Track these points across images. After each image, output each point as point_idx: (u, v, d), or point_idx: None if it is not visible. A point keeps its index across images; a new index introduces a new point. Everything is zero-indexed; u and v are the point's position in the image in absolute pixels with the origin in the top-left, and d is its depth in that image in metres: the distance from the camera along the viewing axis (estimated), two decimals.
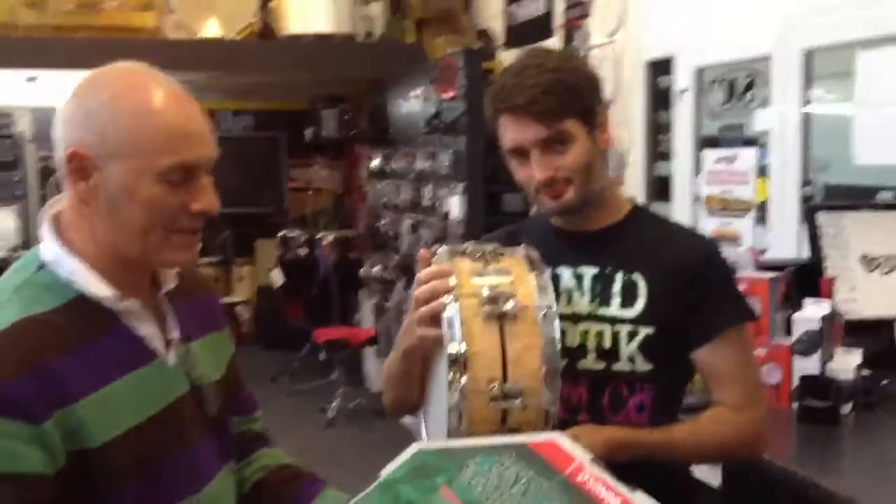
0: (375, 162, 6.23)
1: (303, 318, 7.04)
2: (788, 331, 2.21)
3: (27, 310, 1.18)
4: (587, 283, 1.58)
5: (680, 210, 4.59)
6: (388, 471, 1.22)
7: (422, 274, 1.41)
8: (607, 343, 1.54)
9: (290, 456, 1.56)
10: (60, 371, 1.15)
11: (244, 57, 6.09)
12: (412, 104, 5.63)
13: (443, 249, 1.45)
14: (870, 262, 2.54)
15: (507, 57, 6.60)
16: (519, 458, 1.19)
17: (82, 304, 1.22)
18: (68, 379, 1.16)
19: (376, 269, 6.33)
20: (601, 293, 1.56)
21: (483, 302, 1.35)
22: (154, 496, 1.24)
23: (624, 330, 1.54)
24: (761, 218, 4.19)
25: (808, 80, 3.88)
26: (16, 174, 8.17)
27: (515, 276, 1.40)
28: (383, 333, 6.21)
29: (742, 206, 4.29)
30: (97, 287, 1.23)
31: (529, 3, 6.74)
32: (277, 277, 6.92)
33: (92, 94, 1.22)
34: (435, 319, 1.38)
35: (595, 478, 1.15)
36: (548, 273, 1.42)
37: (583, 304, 1.57)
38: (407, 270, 5.89)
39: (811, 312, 2.14)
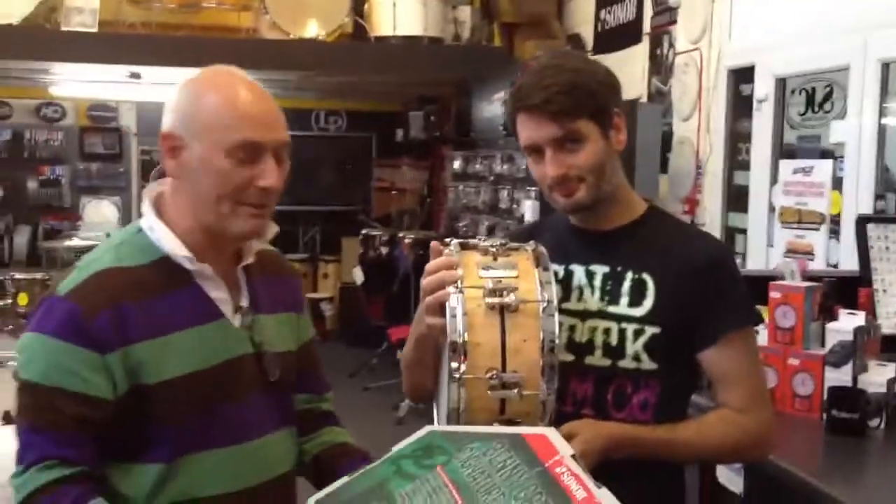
0: (457, 164, 6.33)
1: (382, 316, 7.18)
2: (823, 342, 2.20)
3: (118, 261, 1.43)
4: (598, 281, 1.61)
5: (755, 221, 4.54)
6: (399, 447, 1.33)
7: (430, 265, 1.48)
8: (613, 340, 1.58)
9: None
10: (132, 315, 1.39)
11: (334, 57, 6.25)
12: (495, 107, 5.71)
13: (455, 242, 1.51)
14: None
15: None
16: (511, 446, 1.28)
17: (165, 263, 1.45)
18: (137, 323, 1.39)
19: None
20: (610, 291, 1.60)
21: (486, 294, 1.41)
22: (196, 438, 1.43)
23: (630, 328, 1.57)
24: (835, 231, 4.13)
25: (885, 91, 3.80)
26: (120, 166, 8.57)
27: (521, 271, 1.45)
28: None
29: (816, 218, 4.22)
30: (178, 248, 1.44)
31: (619, 9, 6.73)
32: (358, 275, 7.09)
33: (187, 88, 1.46)
34: (441, 309, 1.44)
35: (570, 471, 1.23)
36: (553, 269, 1.47)
37: (592, 301, 1.61)
38: None
39: (845, 323, 2.13)
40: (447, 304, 1.41)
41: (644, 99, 6.16)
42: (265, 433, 1.52)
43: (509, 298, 1.41)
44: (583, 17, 7.31)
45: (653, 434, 1.53)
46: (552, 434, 1.30)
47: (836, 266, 3.65)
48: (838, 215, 4.12)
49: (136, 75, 6.70)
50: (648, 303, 1.58)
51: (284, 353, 1.58)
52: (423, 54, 6.31)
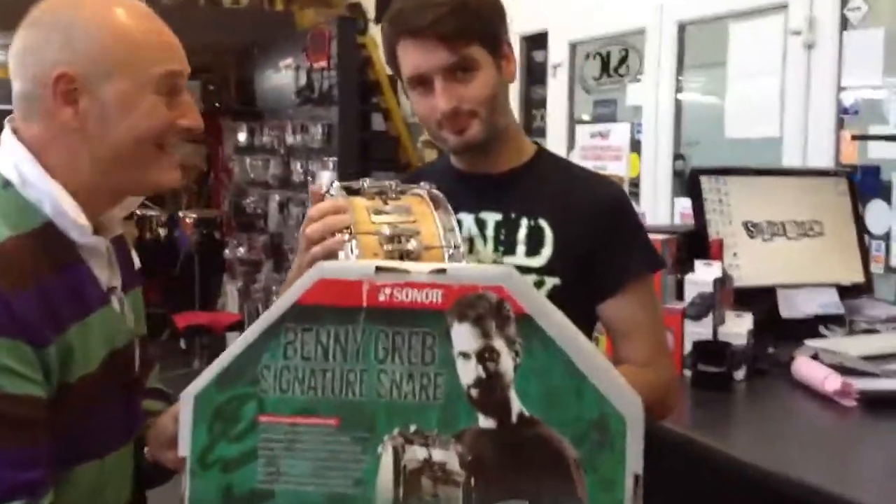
0: (241, 136, 5.96)
1: (162, 301, 6.69)
2: (679, 296, 2.15)
3: (11, 228, 1.10)
4: (490, 230, 1.45)
5: None
6: (184, 449, 1.01)
7: (313, 210, 1.25)
8: None
9: None
10: (54, 293, 1.10)
11: None
12: (282, 75, 5.40)
13: (337, 185, 1.31)
14: (752, 229, 2.53)
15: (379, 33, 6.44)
16: (304, 322, 0.99)
17: (49, 232, 1.14)
18: (61, 303, 1.10)
19: (241, 251, 6.07)
20: (505, 240, 1.44)
21: (383, 241, 1.21)
22: (78, 448, 1.15)
23: (529, 280, 1.42)
24: (633, 194, 4.22)
25: (681, 54, 3.90)
26: None
27: (418, 215, 1.27)
28: (249, 318, 5.97)
29: (615, 181, 4.30)
30: (74, 216, 1.14)
31: None
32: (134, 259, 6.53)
33: (64, 15, 1.16)
34: (328, 260, 1.22)
35: (397, 286, 0.98)
36: (453, 213, 1.29)
37: (486, 252, 1.44)
38: (276, 251, 5.67)
39: (703, 275, 2.09)
40: (339, 254, 1.19)
41: None
42: (122, 443, 1.24)
43: (411, 245, 1.22)
44: None
45: None
46: (325, 270, 1.00)
47: None
48: (637, 177, 4.23)
49: None
50: (547, 251, 1.43)
51: (143, 337, 1.33)
52: (199, 17, 5.86)
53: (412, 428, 0.97)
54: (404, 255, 1.21)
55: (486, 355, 0.97)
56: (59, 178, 1.16)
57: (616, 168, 4.32)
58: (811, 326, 2.40)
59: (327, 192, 1.30)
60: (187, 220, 6.63)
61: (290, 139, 5.20)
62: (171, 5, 5.74)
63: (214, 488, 1.00)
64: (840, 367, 1.97)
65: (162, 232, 6.77)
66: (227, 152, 6.71)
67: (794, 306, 2.44)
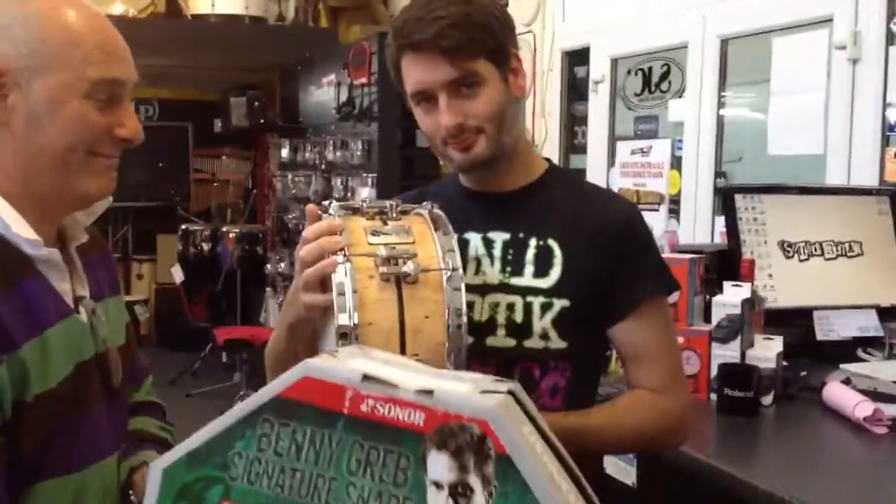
0: (284, 153, 6.00)
1: (205, 316, 6.75)
2: (707, 318, 2.08)
3: None
4: (498, 250, 1.41)
5: None
6: None
7: (309, 230, 1.22)
8: (519, 317, 1.37)
9: None
10: (3, 312, 1.07)
11: (146, 36, 5.75)
12: (324, 91, 5.43)
13: (335, 205, 1.27)
14: (788, 249, 2.45)
15: None
16: (283, 416, 0.95)
17: (1, 246, 1.11)
18: (10, 319, 1.07)
19: (283, 266, 6.09)
20: (513, 261, 1.40)
21: (379, 263, 1.17)
22: (44, 467, 1.12)
23: (537, 302, 1.37)
24: (674, 211, 4.13)
25: (724, 69, 3.83)
26: None
27: (417, 236, 1.23)
28: None
29: (655, 198, 4.22)
30: (22, 227, 1.12)
31: None
32: (177, 274, 6.61)
33: (6, 8, 1.14)
34: (323, 284, 1.20)
35: (379, 399, 0.92)
36: (453, 234, 1.25)
37: (493, 273, 1.40)
38: None
39: (731, 296, 2.02)
40: (332, 277, 1.16)
41: None
42: (105, 454, 1.22)
43: (407, 267, 1.17)
44: (408, 1, 7.17)
45: (564, 422, 1.32)
46: (312, 369, 0.96)
47: None
48: (678, 194, 4.14)
49: None
50: (556, 272, 1.38)
51: (122, 347, 1.30)
52: (244, 35, 5.92)
53: None
54: (400, 278, 1.17)
55: (459, 490, 0.90)
56: None
57: (656, 185, 4.24)
58: (849, 349, 2.33)
59: (325, 211, 1.26)
60: (230, 236, 6.68)
61: (330, 155, 5.21)
62: (217, 23, 5.81)
63: None
64: (873, 393, 1.88)
65: (205, 247, 6.83)
66: (271, 168, 6.76)
67: (830, 329, 2.35)
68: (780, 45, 3.50)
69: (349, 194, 5.05)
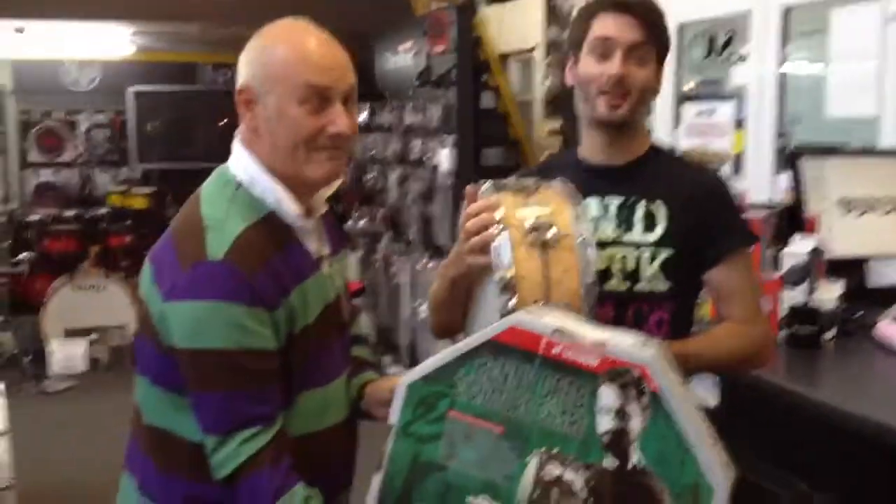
0: (362, 116, 6.37)
1: None
2: (775, 266, 2.43)
3: (245, 220, 1.44)
4: (612, 211, 1.75)
5: None
6: (394, 418, 1.39)
7: (471, 208, 1.56)
8: (631, 265, 1.72)
9: None
10: (279, 267, 1.43)
11: (225, 6, 6.08)
12: (401, 58, 5.77)
13: (488, 184, 1.61)
14: (846, 205, 2.78)
15: (490, 13, 6.76)
16: (495, 353, 1.32)
17: (273, 219, 1.47)
18: (284, 273, 1.43)
19: (363, 223, 6.49)
20: (626, 220, 1.74)
21: (527, 231, 1.51)
22: (303, 379, 1.49)
23: (646, 253, 1.72)
24: (736, 169, 4.43)
25: (785, 37, 4.10)
26: None
27: (554, 208, 1.56)
28: (370, 286, 6.39)
29: (720, 157, 4.52)
30: (289, 205, 1.47)
31: None
32: None
33: (259, 41, 1.48)
34: (484, 249, 1.53)
35: (566, 346, 1.29)
36: (582, 204, 1.60)
37: (608, 231, 1.74)
38: (394, 223, 6.07)
39: (799, 247, 2.37)
40: (493, 244, 1.51)
41: (541, 49, 6.35)
42: (340, 374, 1.60)
43: (549, 234, 1.52)
44: None
45: (672, 348, 1.69)
46: (520, 321, 1.34)
47: None
48: (741, 154, 4.44)
49: (20, 30, 6.41)
50: (660, 228, 1.73)
51: (346, 292, 1.67)
52: (321, 3, 6.25)
53: (555, 450, 1.28)
54: (544, 243, 1.51)
55: (621, 414, 1.27)
56: (266, 167, 1.47)
57: (720, 144, 4.54)
58: None
59: (482, 192, 1.59)
60: None
61: (409, 119, 5.56)
62: None
63: (408, 452, 1.37)
64: None
65: None
66: None
67: (882, 276, 2.68)
68: (837, 14, 3.77)
69: (426, 155, 5.41)
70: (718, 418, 2.27)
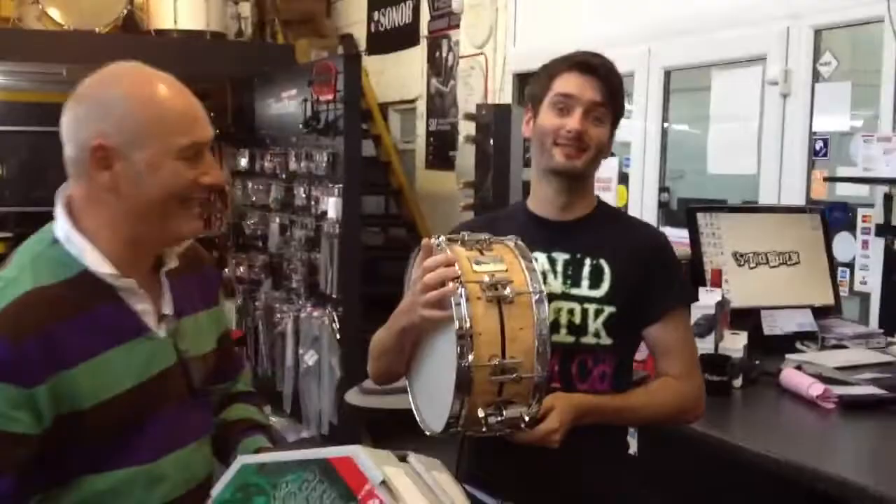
0: (243, 161, 6.26)
1: None
2: None
3: (37, 280, 1.33)
4: (560, 266, 1.79)
5: None
6: (217, 489, 1.36)
7: (428, 262, 1.57)
8: (577, 319, 1.76)
9: None
10: (61, 337, 1.31)
11: (108, 50, 5.93)
12: (285, 105, 5.71)
13: (443, 239, 1.62)
14: (739, 259, 2.93)
15: (372, 63, 6.81)
16: (323, 475, 1.28)
17: (86, 278, 1.37)
18: (68, 345, 1.31)
19: (241, 270, 6.35)
20: (572, 276, 1.79)
21: (484, 287, 1.54)
22: (127, 455, 1.39)
23: (592, 308, 1.76)
24: None
25: (667, 94, 4.31)
26: None
27: (508, 264, 1.59)
28: (250, 334, 6.23)
29: None
30: (100, 264, 1.38)
31: (394, 11, 6.96)
32: None
33: (104, 92, 1.37)
34: (441, 303, 1.54)
35: (381, 501, 1.23)
36: (534, 260, 1.62)
37: (556, 284, 1.78)
38: (274, 271, 5.96)
39: (707, 299, 2.48)
40: (452, 298, 1.52)
41: (423, 99, 6.45)
42: (186, 443, 1.49)
43: (506, 291, 1.54)
44: (354, 17, 7.48)
45: (612, 402, 1.74)
46: (359, 456, 1.29)
47: None
48: (625, 206, 4.61)
49: None
50: (606, 285, 1.78)
51: (207, 354, 1.57)
52: (204, 50, 6.17)
53: None
54: (501, 300, 1.53)
55: None
56: (91, 232, 1.38)
57: (605, 198, 4.68)
58: (789, 342, 2.80)
59: (437, 245, 1.61)
60: None
61: (293, 165, 5.50)
62: (178, 38, 6.05)
63: None
64: (819, 377, 2.36)
65: None
66: (225, 176, 6.99)
67: (775, 325, 2.83)
68: (719, 77, 4.00)
69: (313, 202, 5.35)
70: (638, 467, 2.36)
